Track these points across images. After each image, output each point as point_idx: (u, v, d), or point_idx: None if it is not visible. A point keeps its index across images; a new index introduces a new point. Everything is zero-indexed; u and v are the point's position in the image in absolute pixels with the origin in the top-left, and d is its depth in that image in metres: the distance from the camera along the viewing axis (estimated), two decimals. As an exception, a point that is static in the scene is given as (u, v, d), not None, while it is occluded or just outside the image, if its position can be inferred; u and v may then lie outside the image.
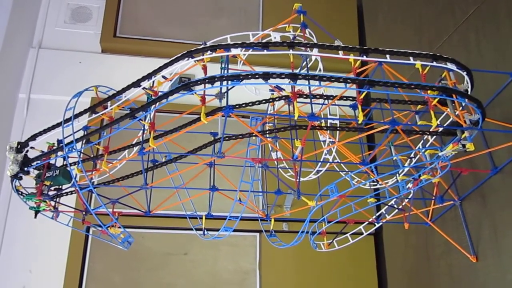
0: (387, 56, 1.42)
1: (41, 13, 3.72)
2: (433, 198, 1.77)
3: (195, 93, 1.34)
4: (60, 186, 1.74)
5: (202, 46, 1.39)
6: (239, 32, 3.94)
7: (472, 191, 1.71)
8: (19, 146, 1.66)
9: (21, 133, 3.43)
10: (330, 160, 1.84)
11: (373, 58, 1.41)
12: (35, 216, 1.72)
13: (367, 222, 1.92)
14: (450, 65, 1.45)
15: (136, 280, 3.09)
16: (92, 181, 1.79)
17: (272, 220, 1.87)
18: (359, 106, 1.38)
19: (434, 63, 1.44)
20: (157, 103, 1.38)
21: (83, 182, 1.70)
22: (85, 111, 1.65)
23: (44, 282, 3.02)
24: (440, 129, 1.51)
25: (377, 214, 1.90)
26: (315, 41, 1.62)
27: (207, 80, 1.31)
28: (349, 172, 1.84)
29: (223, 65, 1.45)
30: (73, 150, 1.50)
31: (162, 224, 3.17)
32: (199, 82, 1.31)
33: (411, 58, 1.43)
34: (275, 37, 1.58)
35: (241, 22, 3.81)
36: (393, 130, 1.43)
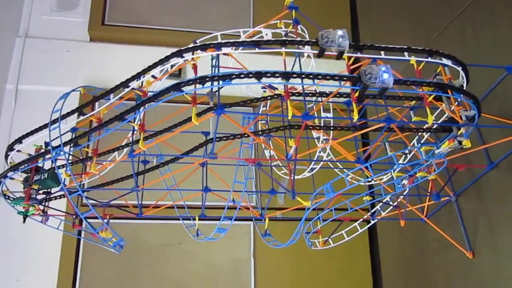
0: (382, 52, 1.38)
1: (26, 1, 3.62)
2: (428, 194, 1.75)
3: (186, 94, 1.29)
4: (49, 190, 1.70)
5: (192, 45, 1.35)
6: (229, 20, 3.86)
7: (467, 186, 1.69)
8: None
9: (10, 125, 3.37)
10: (325, 158, 1.81)
11: (367, 55, 1.37)
12: (24, 221, 1.69)
13: (361, 220, 1.90)
14: (445, 61, 1.42)
15: (131, 271, 3.07)
16: (82, 183, 1.75)
17: (267, 220, 1.84)
18: (354, 105, 1.35)
19: (430, 59, 1.41)
20: (146, 105, 1.34)
21: (72, 186, 1.66)
22: (72, 112, 1.60)
23: (38, 275, 2.99)
24: (436, 125, 1.49)
25: (372, 211, 1.88)
26: (307, 37, 1.58)
27: (198, 80, 1.27)
28: (345, 171, 1.82)
29: (214, 63, 1.40)
30: (61, 153, 1.45)
31: (156, 214, 3.14)
32: (190, 82, 1.27)
33: (405, 54, 1.40)
34: (267, 33, 1.53)
35: (232, 9, 3.74)
36: (388, 128, 1.41)
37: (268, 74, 1.26)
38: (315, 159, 1.80)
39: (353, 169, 1.51)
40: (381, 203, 1.86)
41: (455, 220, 1.75)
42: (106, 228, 1.59)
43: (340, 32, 1.27)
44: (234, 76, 1.25)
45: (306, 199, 1.53)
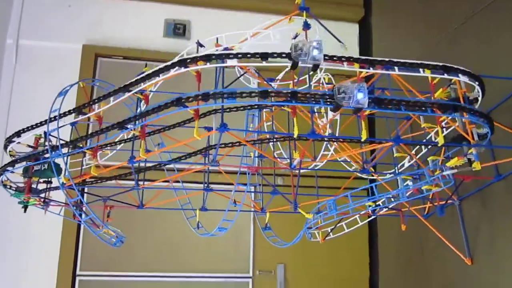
0: (396, 68, 1.32)
1: (26, -50, 3.47)
2: (430, 199, 1.73)
3: (189, 109, 1.24)
4: (50, 179, 1.69)
5: (196, 45, 1.29)
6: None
7: (472, 193, 1.67)
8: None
9: (11, 83, 3.32)
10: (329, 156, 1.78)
11: (379, 71, 1.31)
12: (25, 211, 1.68)
13: (358, 214, 1.89)
14: (462, 77, 1.35)
15: (129, 233, 3.12)
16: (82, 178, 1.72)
17: (267, 213, 1.84)
18: (363, 124, 1.30)
19: (445, 75, 1.34)
20: (147, 117, 1.29)
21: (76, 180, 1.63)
22: (71, 112, 1.55)
23: (42, 236, 3.04)
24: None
25: (373, 207, 1.87)
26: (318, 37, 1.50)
27: (200, 97, 1.22)
28: (350, 163, 1.80)
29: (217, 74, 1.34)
30: (60, 155, 1.42)
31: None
32: (192, 99, 1.22)
33: (421, 70, 1.33)
34: (275, 35, 1.45)
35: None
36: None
37: (274, 93, 1.20)
38: (320, 154, 1.77)
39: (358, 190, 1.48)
40: (383, 199, 1.84)
41: (457, 222, 1.75)
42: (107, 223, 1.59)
43: (314, 44, 1.19)
44: (238, 94, 1.20)
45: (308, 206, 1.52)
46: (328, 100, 1.17)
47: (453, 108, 1.28)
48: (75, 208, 1.48)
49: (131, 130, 1.37)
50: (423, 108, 1.28)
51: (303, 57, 1.19)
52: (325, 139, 1.48)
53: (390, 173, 1.94)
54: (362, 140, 1.28)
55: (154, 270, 3.17)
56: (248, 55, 1.25)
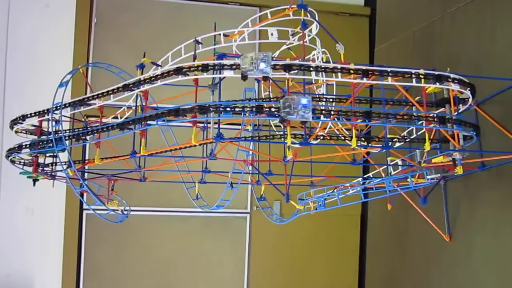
0: (389, 78, 1.34)
1: None
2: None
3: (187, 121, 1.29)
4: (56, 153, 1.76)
5: (193, 63, 1.31)
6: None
7: (457, 176, 1.76)
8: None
9: (6, 19, 3.29)
10: (324, 134, 1.83)
11: (374, 81, 1.34)
12: (34, 184, 1.79)
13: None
14: (454, 86, 1.39)
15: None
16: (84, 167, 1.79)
17: (263, 186, 1.94)
18: (354, 131, 1.35)
19: (438, 84, 1.37)
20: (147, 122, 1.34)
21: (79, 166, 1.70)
22: (74, 103, 1.59)
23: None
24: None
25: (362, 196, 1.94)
26: (319, 42, 1.50)
27: (197, 110, 1.26)
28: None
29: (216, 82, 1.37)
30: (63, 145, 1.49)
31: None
32: (188, 110, 1.27)
33: (413, 80, 1.36)
34: (272, 33, 1.45)
35: None
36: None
37: (270, 109, 1.25)
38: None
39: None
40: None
41: (440, 201, 1.86)
42: (113, 202, 1.71)
43: (261, 56, 1.20)
44: (235, 109, 1.25)
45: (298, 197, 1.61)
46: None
47: (441, 121, 1.33)
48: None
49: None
50: (413, 121, 1.34)
51: (250, 71, 1.21)
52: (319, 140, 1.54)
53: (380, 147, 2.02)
54: (352, 147, 1.34)
55: (158, 205, 3.36)
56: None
